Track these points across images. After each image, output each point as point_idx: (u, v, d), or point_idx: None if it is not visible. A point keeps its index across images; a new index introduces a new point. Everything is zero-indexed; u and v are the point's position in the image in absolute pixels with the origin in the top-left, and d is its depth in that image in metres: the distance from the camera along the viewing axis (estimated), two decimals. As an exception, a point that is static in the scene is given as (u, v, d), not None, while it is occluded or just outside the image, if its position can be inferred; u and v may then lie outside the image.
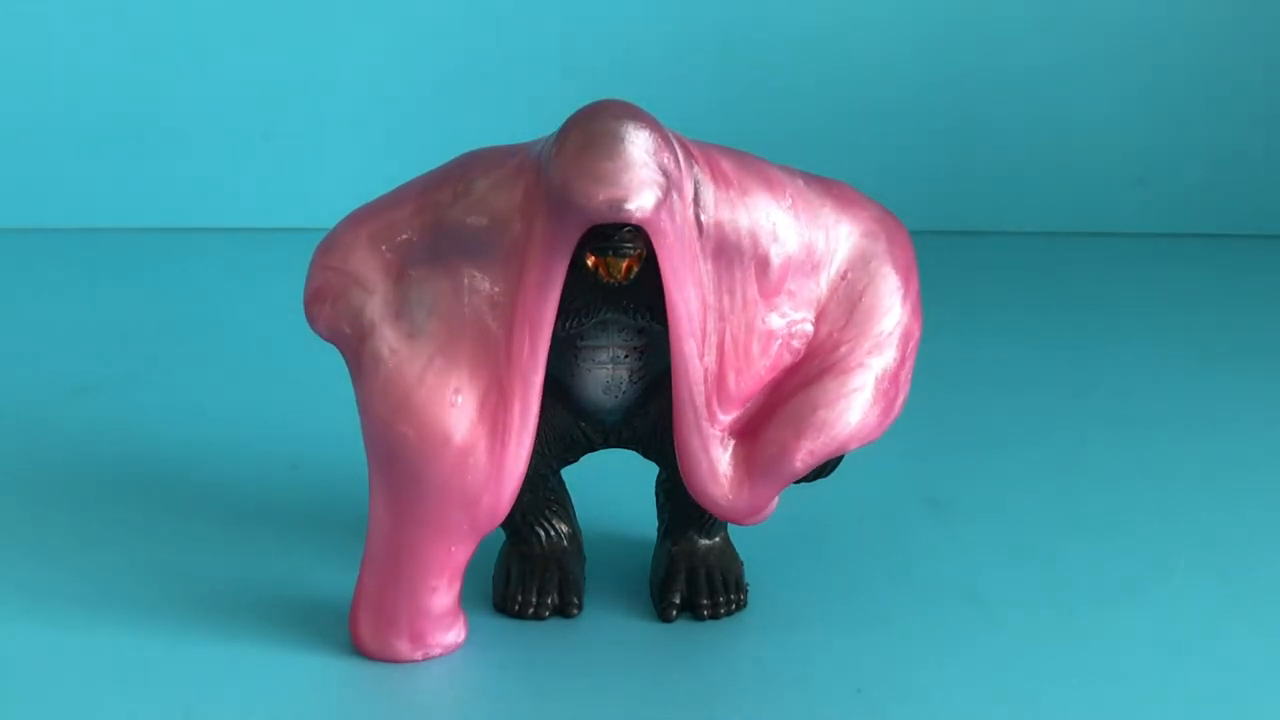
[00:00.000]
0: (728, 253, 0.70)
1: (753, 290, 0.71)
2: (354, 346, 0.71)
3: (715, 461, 0.72)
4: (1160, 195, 1.58)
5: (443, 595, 0.72)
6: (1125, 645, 0.75)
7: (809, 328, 0.72)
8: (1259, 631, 0.77)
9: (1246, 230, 1.57)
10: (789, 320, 0.72)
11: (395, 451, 0.71)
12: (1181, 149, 1.57)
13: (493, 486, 0.70)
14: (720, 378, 0.71)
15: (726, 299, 0.71)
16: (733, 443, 0.72)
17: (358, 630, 0.73)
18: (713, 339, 0.71)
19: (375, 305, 0.71)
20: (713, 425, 0.72)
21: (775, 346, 0.72)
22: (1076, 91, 1.57)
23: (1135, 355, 1.21)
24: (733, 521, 0.73)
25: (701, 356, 0.71)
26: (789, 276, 0.72)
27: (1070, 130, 1.58)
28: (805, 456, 0.72)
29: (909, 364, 0.73)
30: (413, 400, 0.70)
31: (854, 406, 0.71)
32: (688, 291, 0.69)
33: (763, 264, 0.71)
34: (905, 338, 0.73)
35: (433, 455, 0.70)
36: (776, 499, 0.73)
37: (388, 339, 0.71)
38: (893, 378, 0.72)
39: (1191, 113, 1.57)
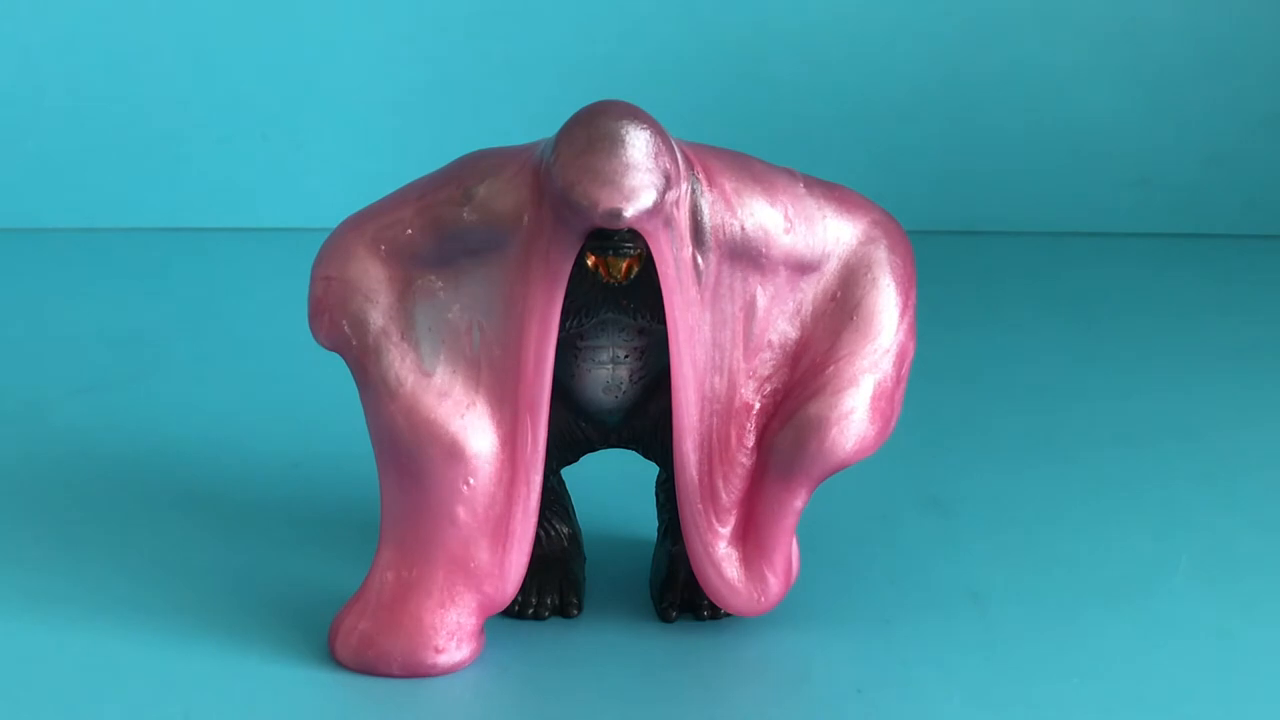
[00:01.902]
0: (720, 300, 0.70)
1: (739, 353, 0.71)
2: (359, 357, 0.71)
3: (733, 582, 0.73)
4: (1160, 196, 1.58)
5: (451, 654, 0.72)
6: (1125, 645, 0.75)
7: (778, 382, 0.72)
8: (1259, 631, 0.77)
9: (1246, 230, 1.57)
10: (760, 380, 0.72)
11: (404, 483, 0.71)
12: (1182, 149, 1.57)
13: (496, 580, 0.71)
14: (712, 489, 0.72)
15: (716, 379, 0.71)
16: (737, 553, 0.73)
17: (338, 654, 0.72)
18: (701, 440, 0.72)
19: (378, 316, 0.71)
20: (716, 544, 0.72)
21: (750, 425, 0.72)
22: (1077, 92, 1.57)
23: (1135, 355, 1.21)
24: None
25: (698, 465, 0.71)
26: (771, 324, 0.71)
27: (1071, 130, 1.58)
28: (805, 496, 0.72)
29: (904, 384, 0.73)
30: (423, 457, 0.70)
31: (848, 431, 0.71)
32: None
33: (750, 309, 0.71)
34: (901, 356, 0.72)
35: (441, 524, 0.71)
36: (795, 544, 0.74)
37: (394, 367, 0.70)
38: (889, 397, 0.72)
39: (1191, 113, 1.57)
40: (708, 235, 0.69)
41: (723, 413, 0.72)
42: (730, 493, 0.72)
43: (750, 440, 0.72)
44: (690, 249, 0.69)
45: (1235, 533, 0.87)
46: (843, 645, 0.74)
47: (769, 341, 0.72)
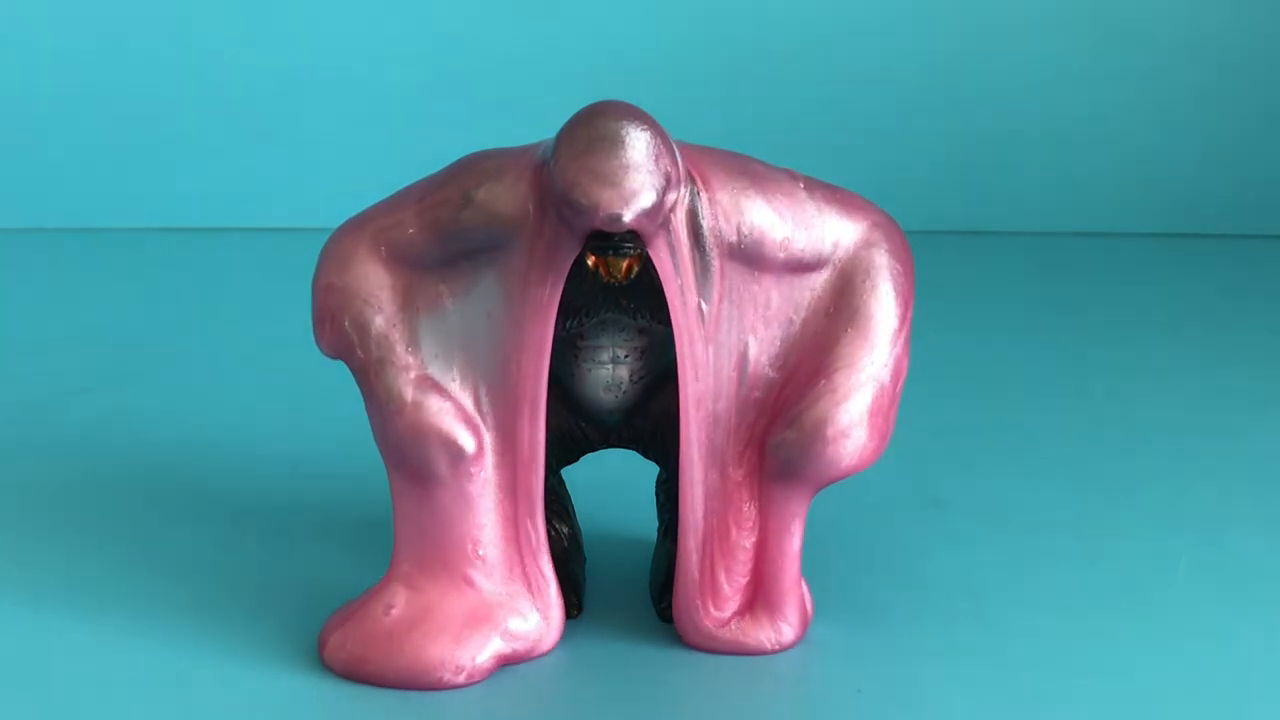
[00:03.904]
0: (720, 352, 0.70)
1: (730, 422, 0.71)
2: (362, 364, 0.71)
3: (745, 641, 0.73)
4: (1160, 196, 1.58)
5: (455, 681, 0.71)
6: (1125, 645, 0.75)
7: (759, 436, 0.72)
8: (1259, 631, 0.77)
9: (1246, 230, 1.58)
10: (741, 449, 0.72)
11: (414, 494, 0.71)
12: (1182, 149, 1.58)
13: (539, 640, 0.72)
14: (713, 583, 0.72)
15: (713, 474, 0.71)
16: (736, 623, 0.73)
17: (326, 663, 0.72)
18: (705, 537, 0.72)
19: (381, 321, 0.70)
20: (707, 626, 0.72)
21: (746, 506, 0.72)
22: (1077, 92, 1.57)
23: (1135, 355, 1.21)
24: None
25: (700, 563, 0.72)
26: (759, 375, 0.71)
27: (1071, 130, 1.58)
28: (802, 516, 0.72)
29: (898, 400, 0.72)
30: (431, 469, 0.70)
31: (846, 447, 0.70)
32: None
33: (742, 362, 0.71)
34: (897, 373, 0.72)
35: (458, 581, 0.71)
36: (805, 587, 0.74)
37: (398, 380, 0.70)
38: (884, 413, 0.71)
39: (1192, 113, 1.57)
40: (707, 239, 0.69)
41: (720, 508, 0.72)
42: (733, 583, 0.73)
43: (749, 518, 0.72)
44: (695, 299, 0.69)
45: (1235, 533, 0.87)
46: (843, 645, 0.74)
47: (755, 399, 0.71)
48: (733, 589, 0.73)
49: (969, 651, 0.74)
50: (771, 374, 0.71)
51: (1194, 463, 0.98)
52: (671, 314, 0.69)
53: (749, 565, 0.73)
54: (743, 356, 0.71)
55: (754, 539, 0.72)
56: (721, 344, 0.70)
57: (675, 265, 0.68)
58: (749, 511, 0.72)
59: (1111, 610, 0.78)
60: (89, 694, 0.70)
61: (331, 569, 0.81)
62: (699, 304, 0.69)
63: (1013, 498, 0.92)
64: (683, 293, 0.68)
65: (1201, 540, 0.86)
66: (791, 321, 0.71)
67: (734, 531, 0.72)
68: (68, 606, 0.78)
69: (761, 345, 0.71)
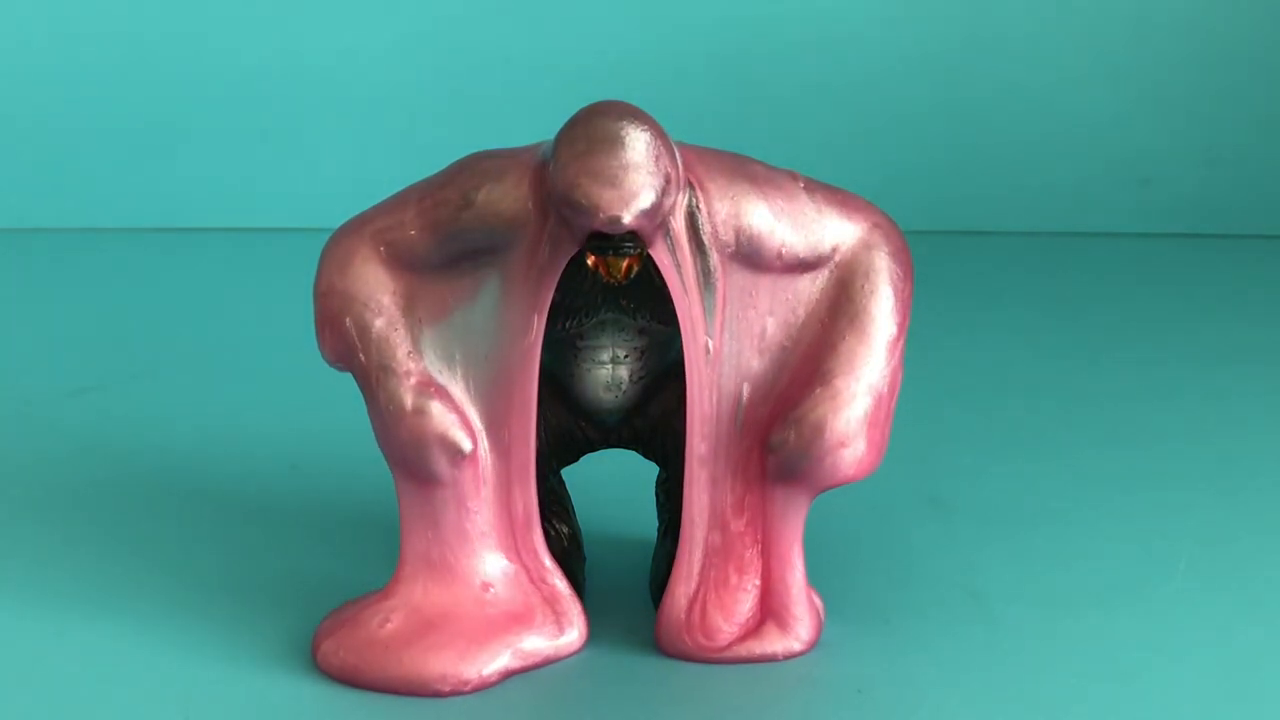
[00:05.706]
0: (721, 396, 0.70)
1: (731, 468, 0.71)
2: (363, 368, 0.70)
3: (752, 655, 0.72)
4: (1160, 196, 1.58)
5: (454, 690, 0.71)
6: (1125, 645, 0.75)
7: (754, 476, 0.72)
8: (1259, 631, 0.77)
9: (1246, 230, 1.58)
10: (739, 497, 0.72)
11: (418, 494, 0.71)
12: (1182, 150, 1.58)
13: (550, 657, 0.72)
14: (704, 622, 0.72)
15: (714, 535, 0.72)
16: (748, 640, 0.73)
17: (321, 667, 0.72)
18: (698, 586, 0.72)
19: (382, 324, 0.70)
20: (697, 653, 0.72)
21: (748, 552, 0.72)
22: (1077, 93, 1.57)
23: (1135, 355, 1.21)
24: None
25: (688, 608, 0.72)
26: (754, 412, 0.71)
27: (1071, 131, 1.58)
28: (802, 555, 0.72)
29: (893, 411, 0.72)
30: (435, 476, 0.70)
31: (844, 459, 0.70)
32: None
33: (736, 398, 0.71)
34: (893, 386, 0.71)
35: (468, 606, 0.71)
36: (815, 595, 0.74)
37: (400, 387, 0.70)
38: (881, 426, 0.71)
39: (1192, 114, 1.57)
40: (706, 243, 0.69)
41: (720, 562, 0.72)
42: (731, 623, 0.73)
43: (751, 563, 0.72)
44: (702, 338, 0.69)
45: (1235, 533, 0.87)
46: (843, 645, 0.74)
47: (747, 445, 0.71)
48: (730, 625, 0.73)
49: (969, 651, 0.74)
50: (763, 410, 0.71)
51: (1194, 462, 0.98)
52: (685, 354, 0.69)
53: (753, 605, 0.73)
54: (736, 402, 0.71)
55: (757, 580, 0.73)
56: (722, 389, 0.70)
57: (679, 271, 0.68)
58: (751, 557, 0.72)
59: (1112, 610, 0.78)
60: (88, 694, 0.70)
61: (330, 569, 0.81)
62: (707, 343, 0.69)
63: (1013, 497, 0.92)
64: (693, 323, 0.68)
65: (1202, 540, 0.86)
66: (784, 348, 0.71)
67: (734, 578, 0.72)
68: (66, 606, 0.78)
69: (755, 386, 0.71)
